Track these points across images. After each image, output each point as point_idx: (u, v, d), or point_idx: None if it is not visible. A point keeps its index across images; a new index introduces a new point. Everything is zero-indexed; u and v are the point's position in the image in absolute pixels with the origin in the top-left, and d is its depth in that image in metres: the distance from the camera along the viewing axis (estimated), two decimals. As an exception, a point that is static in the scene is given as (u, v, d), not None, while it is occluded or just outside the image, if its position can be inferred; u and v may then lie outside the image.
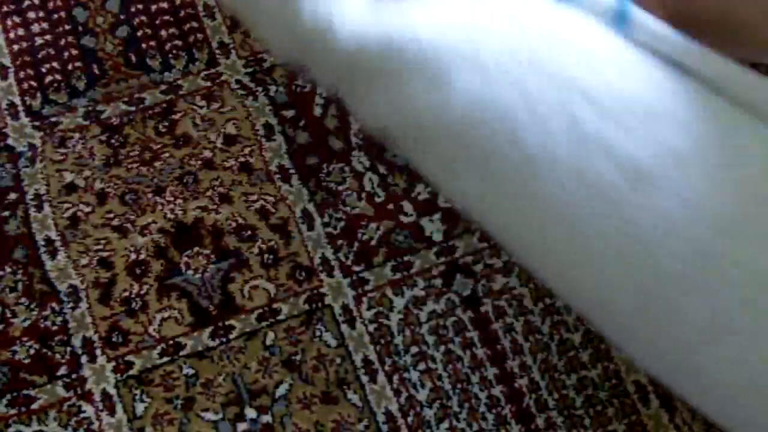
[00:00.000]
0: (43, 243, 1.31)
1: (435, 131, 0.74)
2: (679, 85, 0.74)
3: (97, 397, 1.22)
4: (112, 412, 1.21)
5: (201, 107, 1.40)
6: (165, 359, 1.24)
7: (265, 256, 1.30)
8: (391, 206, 1.34)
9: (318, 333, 1.26)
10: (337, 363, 1.24)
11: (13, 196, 1.34)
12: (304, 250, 1.31)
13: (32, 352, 1.24)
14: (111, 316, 1.27)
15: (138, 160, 1.36)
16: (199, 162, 1.36)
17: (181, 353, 1.24)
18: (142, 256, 1.30)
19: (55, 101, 1.40)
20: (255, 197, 1.34)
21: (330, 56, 0.75)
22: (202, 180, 1.35)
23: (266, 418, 1.21)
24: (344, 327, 1.26)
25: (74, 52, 1.44)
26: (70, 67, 1.43)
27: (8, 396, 1.22)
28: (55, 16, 1.47)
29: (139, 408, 1.22)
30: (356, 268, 1.30)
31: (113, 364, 1.24)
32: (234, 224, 1.32)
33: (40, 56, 1.44)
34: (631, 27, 0.75)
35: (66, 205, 1.33)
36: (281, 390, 1.23)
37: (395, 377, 1.24)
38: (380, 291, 1.28)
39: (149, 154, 1.37)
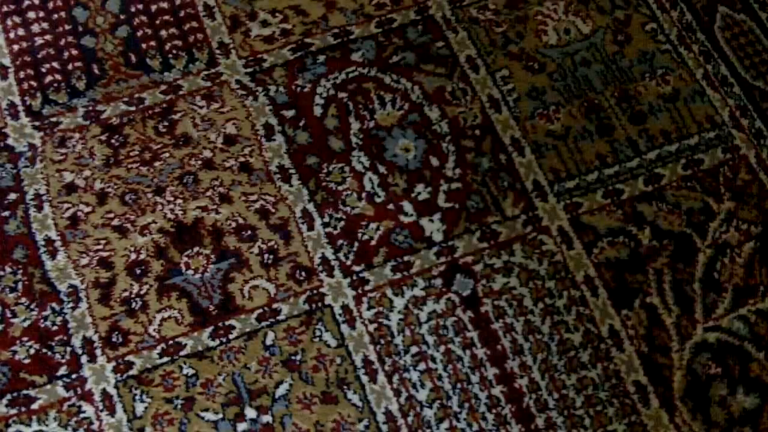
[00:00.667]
0: (43, 243, 1.31)
1: None
2: None
3: (97, 397, 1.22)
4: (112, 412, 1.21)
5: (201, 107, 1.40)
6: (165, 359, 1.24)
7: (265, 256, 1.30)
8: (391, 206, 1.34)
9: (318, 333, 1.26)
10: (337, 363, 1.24)
11: (13, 196, 1.34)
12: (304, 250, 1.31)
13: (32, 352, 1.24)
14: (111, 316, 1.27)
15: (138, 160, 1.36)
16: (199, 162, 1.36)
17: (181, 353, 1.24)
18: (142, 256, 1.30)
19: (55, 101, 1.40)
20: (255, 197, 1.34)
21: None
22: (202, 180, 1.35)
23: (266, 418, 1.21)
24: (344, 327, 1.26)
25: (74, 52, 1.44)
26: (70, 67, 1.43)
27: (8, 396, 1.22)
28: (55, 16, 1.47)
29: (139, 408, 1.22)
30: (356, 268, 1.30)
31: (113, 364, 1.24)
32: (234, 224, 1.32)
33: (40, 56, 1.44)
34: None
35: (66, 205, 1.33)
36: (281, 390, 1.23)
37: (395, 377, 1.24)
38: (380, 291, 1.28)
39: (149, 154, 1.37)
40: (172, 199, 1.34)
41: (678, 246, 1.31)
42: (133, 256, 1.30)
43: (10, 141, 1.38)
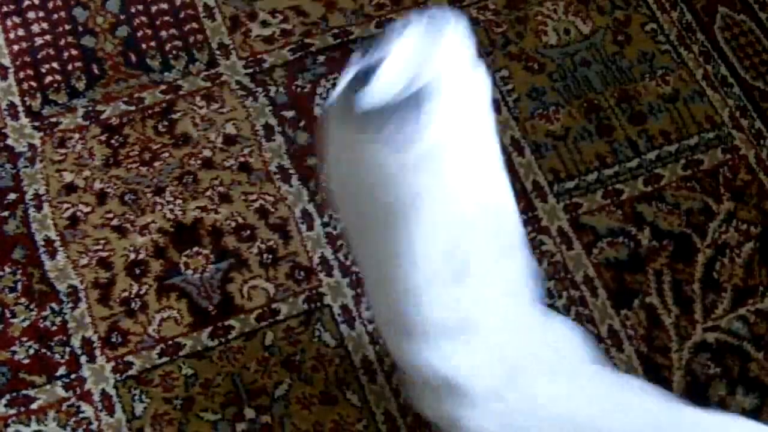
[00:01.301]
0: (42, 243, 1.31)
1: None
2: None
3: (96, 397, 1.22)
4: (111, 413, 1.21)
5: (201, 107, 1.40)
6: (164, 359, 1.24)
7: (265, 256, 1.30)
8: (390, 206, 1.34)
9: (317, 333, 1.26)
10: (336, 363, 1.24)
11: (12, 196, 1.34)
12: (304, 250, 1.31)
13: (32, 352, 1.25)
14: (110, 317, 1.27)
15: (138, 160, 1.36)
16: (199, 162, 1.36)
17: (181, 353, 1.24)
18: (141, 256, 1.30)
19: (55, 101, 1.41)
20: (254, 197, 1.34)
21: None
22: (202, 180, 1.35)
23: (265, 418, 1.21)
24: (343, 327, 1.26)
25: (74, 52, 1.44)
26: (70, 67, 1.43)
27: (8, 396, 1.22)
28: (55, 16, 1.47)
29: (139, 408, 1.22)
30: (355, 269, 1.29)
31: (112, 364, 1.24)
32: (233, 224, 1.32)
33: (40, 56, 1.44)
34: None
35: (66, 205, 1.33)
36: (280, 390, 1.23)
37: (394, 377, 1.24)
38: (379, 291, 1.28)
39: (149, 154, 1.37)
40: (171, 199, 1.34)
41: (677, 246, 1.31)
42: (133, 256, 1.30)
43: (9, 141, 1.38)
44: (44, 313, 1.27)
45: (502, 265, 0.89)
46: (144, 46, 1.45)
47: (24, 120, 1.39)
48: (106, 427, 1.21)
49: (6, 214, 1.32)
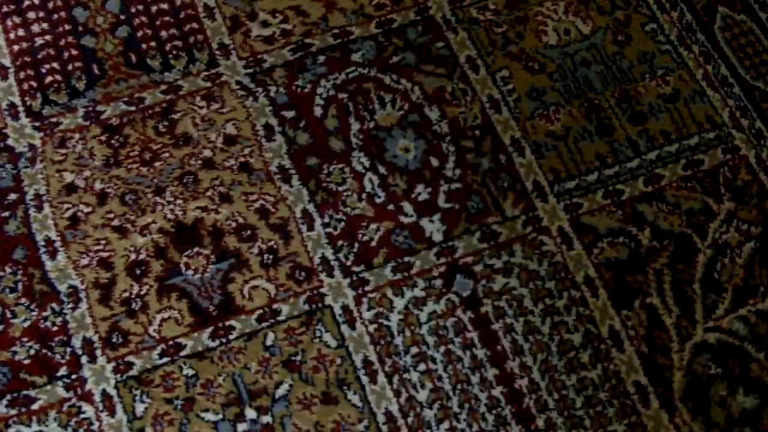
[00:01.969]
0: (43, 243, 1.31)
1: None
2: None
3: (97, 397, 1.22)
4: (112, 413, 1.21)
5: (201, 107, 1.40)
6: (165, 360, 1.24)
7: (265, 256, 1.30)
8: (391, 206, 1.34)
9: (318, 333, 1.26)
10: (337, 363, 1.24)
11: (13, 196, 1.34)
12: (304, 251, 1.31)
13: (32, 352, 1.24)
14: (111, 317, 1.27)
15: (138, 160, 1.36)
16: (200, 162, 1.36)
17: (181, 354, 1.24)
18: (142, 257, 1.30)
19: (55, 101, 1.40)
20: (255, 197, 1.34)
21: None
22: (202, 180, 1.35)
23: (266, 419, 1.21)
24: (344, 327, 1.26)
25: (74, 52, 1.44)
26: (70, 67, 1.43)
27: (8, 396, 1.22)
28: (56, 16, 1.47)
29: (139, 408, 1.22)
30: (356, 269, 1.30)
31: (113, 364, 1.24)
32: (234, 224, 1.32)
33: (40, 56, 1.44)
34: None
35: (66, 206, 1.33)
36: (281, 390, 1.23)
37: (395, 378, 1.24)
38: (380, 291, 1.28)
39: (149, 154, 1.37)
40: (172, 199, 1.34)
41: (678, 246, 1.31)
42: (133, 256, 1.30)
43: (10, 141, 1.37)
44: (45, 314, 1.26)
45: None
46: (144, 46, 1.45)
47: (24, 120, 1.39)
48: (107, 428, 1.21)
49: (6, 214, 1.32)
